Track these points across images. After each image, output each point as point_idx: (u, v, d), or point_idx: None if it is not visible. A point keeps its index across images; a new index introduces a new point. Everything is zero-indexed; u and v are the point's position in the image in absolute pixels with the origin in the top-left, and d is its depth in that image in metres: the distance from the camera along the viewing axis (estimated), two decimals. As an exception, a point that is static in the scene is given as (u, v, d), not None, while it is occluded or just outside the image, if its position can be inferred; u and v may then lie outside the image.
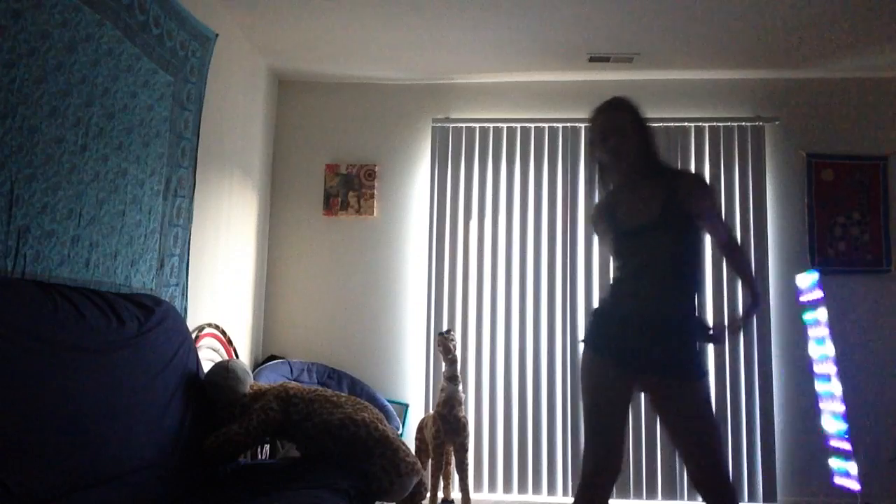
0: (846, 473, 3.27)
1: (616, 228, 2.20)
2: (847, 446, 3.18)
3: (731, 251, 2.29)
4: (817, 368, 3.49)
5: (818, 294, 3.47)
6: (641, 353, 2.07)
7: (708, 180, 2.37)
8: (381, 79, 4.33)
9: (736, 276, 3.57)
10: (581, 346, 2.29)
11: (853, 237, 4.02)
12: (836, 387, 3.17)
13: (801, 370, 3.94)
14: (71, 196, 2.19)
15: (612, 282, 2.31)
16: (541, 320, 4.07)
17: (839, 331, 3.95)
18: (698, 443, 2.06)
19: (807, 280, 3.52)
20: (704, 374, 2.15)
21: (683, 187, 2.14)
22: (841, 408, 3.26)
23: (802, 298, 3.41)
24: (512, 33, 3.65)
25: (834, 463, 3.43)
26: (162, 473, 2.16)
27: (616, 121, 2.17)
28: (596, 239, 2.36)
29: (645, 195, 2.17)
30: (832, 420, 3.34)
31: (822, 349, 3.43)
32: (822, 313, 3.42)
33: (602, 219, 2.30)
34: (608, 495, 2.10)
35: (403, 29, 3.63)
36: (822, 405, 3.36)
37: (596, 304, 2.38)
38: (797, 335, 3.97)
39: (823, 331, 3.40)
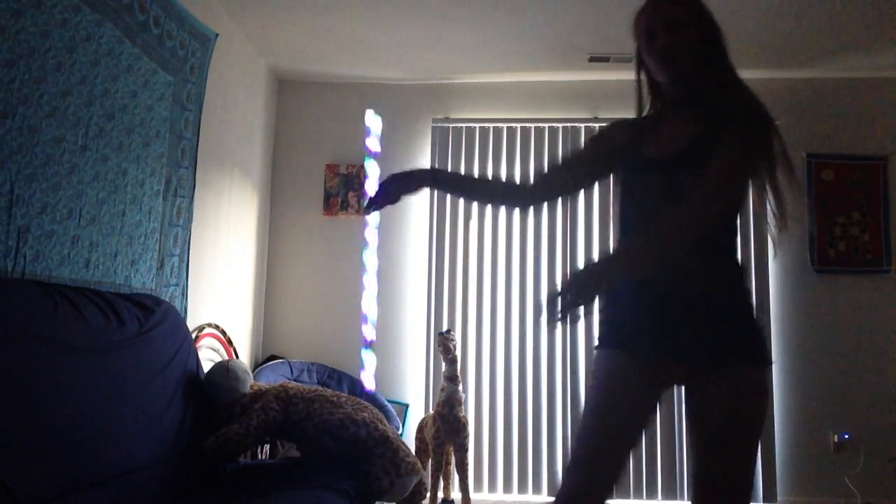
0: None
1: (636, 158, 1.61)
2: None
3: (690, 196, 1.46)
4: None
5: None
6: (682, 335, 1.50)
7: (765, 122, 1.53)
8: (381, 79, 4.33)
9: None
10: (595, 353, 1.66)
11: (853, 237, 4.02)
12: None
13: (802, 370, 3.95)
14: (71, 196, 2.19)
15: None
16: (540, 320, 4.07)
17: (839, 331, 3.96)
18: (735, 456, 1.47)
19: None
20: (767, 360, 1.55)
21: (726, 115, 1.52)
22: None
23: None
24: (512, 33, 3.65)
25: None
26: (162, 473, 2.16)
27: (667, 12, 1.54)
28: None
29: (683, 118, 1.59)
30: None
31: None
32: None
33: (614, 139, 1.66)
34: None
35: (403, 29, 3.63)
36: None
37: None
38: (797, 335, 3.98)
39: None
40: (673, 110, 1.63)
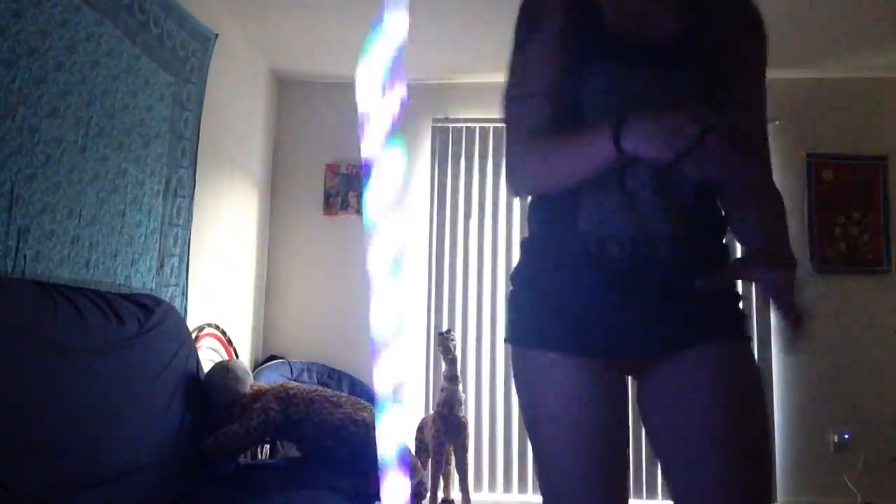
0: None
1: (601, 37, 1.18)
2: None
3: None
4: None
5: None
6: (649, 315, 1.14)
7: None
8: (381, 79, 4.33)
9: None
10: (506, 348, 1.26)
11: (853, 237, 4.02)
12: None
13: (802, 370, 3.94)
14: (71, 196, 2.19)
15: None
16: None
17: (839, 331, 3.95)
18: (741, 447, 1.09)
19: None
20: (748, 334, 1.22)
21: (728, 6, 1.20)
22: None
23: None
24: (512, 33, 3.64)
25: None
26: (162, 473, 2.16)
27: None
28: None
29: None
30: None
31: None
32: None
33: (563, 13, 1.23)
34: None
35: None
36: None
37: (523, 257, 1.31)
38: (797, 335, 3.97)
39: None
40: None
